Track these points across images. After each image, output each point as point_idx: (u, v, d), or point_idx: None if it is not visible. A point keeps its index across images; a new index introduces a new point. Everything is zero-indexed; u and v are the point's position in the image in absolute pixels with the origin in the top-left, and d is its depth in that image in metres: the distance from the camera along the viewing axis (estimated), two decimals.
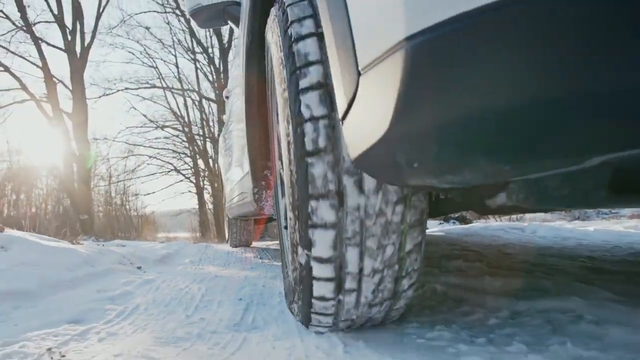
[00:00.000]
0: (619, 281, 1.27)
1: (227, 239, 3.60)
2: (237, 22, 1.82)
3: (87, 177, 11.25)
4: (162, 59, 21.64)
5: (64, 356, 0.73)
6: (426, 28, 0.41)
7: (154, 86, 16.92)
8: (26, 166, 13.49)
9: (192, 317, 1.03)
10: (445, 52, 0.40)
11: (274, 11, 0.89)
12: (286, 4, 0.77)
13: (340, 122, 0.61)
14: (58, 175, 11.85)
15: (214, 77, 16.62)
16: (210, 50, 17.16)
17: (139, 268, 2.10)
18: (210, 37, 17.02)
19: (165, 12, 16.59)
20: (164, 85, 17.02)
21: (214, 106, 16.80)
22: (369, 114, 0.52)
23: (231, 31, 16.09)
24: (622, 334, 0.76)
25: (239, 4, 1.84)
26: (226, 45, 16.33)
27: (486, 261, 1.64)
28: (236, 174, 2.06)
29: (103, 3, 11.86)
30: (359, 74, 0.53)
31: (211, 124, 17.12)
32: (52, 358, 0.72)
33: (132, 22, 17.20)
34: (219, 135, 17.89)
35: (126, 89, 15.87)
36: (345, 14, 0.54)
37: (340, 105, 0.59)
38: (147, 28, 16.74)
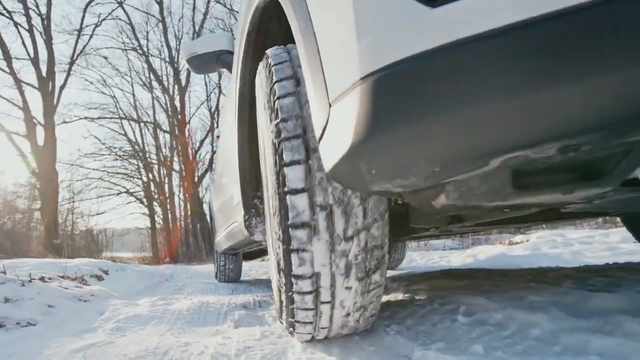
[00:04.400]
0: None
1: (215, 274, 3.71)
2: (228, 67, 2.04)
3: (55, 205, 12.58)
4: (118, 87, 22.79)
5: (192, 299, 2.78)
6: (374, 70, 0.58)
7: (112, 117, 18.19)
8: None
9: (214, 292, 3.10)
10: (386, 89, 0.58)
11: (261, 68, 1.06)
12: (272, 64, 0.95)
13: (318, 143, 0.77)
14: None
15: (168, 105, 18.16)
16: (167, 84, 18.59)
17: (167, 280, 4.09)
18: (167, 76, 18.57)
19: (125, 49, 18.08)
20: (121, 115, 18.34)
21: (167, 135, 18.35)
22: (337, 136, 0.68)
23: (189, 71, 17.84)
24: None
25: (231, 53, 2.07)
26: (184, 84, 17.98)
27: None
28: (227, 208, 2.24)
29: (77, 51, 13.51)
30: (330, 105, 0.70)
31: (163, 150, 18.58)
32: (186, 297, 2.78)
33: (90, 50, 18.23)
34: (170, 161, 19.08)
35: (86, 117, 17.14)
36: (319, 62, 0.73)
37: (317, 130, 0.76)
38: (105, 57, 18.10)
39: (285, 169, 0.86)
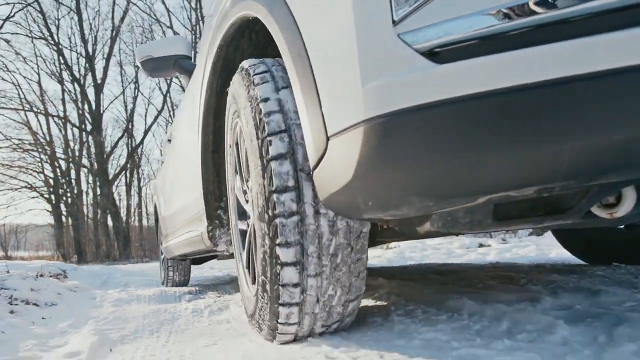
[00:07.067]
0: None
1: (162, 280, 3.64)
2: (186, 73, 2.02)
3: None
4: (20, 73, 21.32)
5: (149, 289, 3.72)
6: (380, 114, 0.63)
7: (16, 109, 17.18)
8: None
9: (159, 286, 4.05)
10: (386, 133, 0.63)
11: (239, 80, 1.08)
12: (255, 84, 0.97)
13: (312, 171, 0.81)
14: None
15: (79, 98, 17.64)
16: (79, 76, 17.93)
17: (108, 278, 4.88)
18: (80, 67, 17.88)
19: (33, 37, 17.19)
20: (25, 105, 17.39)
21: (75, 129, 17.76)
22: (335, 169, 0.72)
23: (106, 68, 17.52)
24: None
25: (188, 57, 2.06)
26: (99, 79, 17.57)
27: None
28: (182, 216, 2.20)
29: None
30: (328, 139, 0.74)
31: (71, 144, 17.94)
32: (137, 289, 3.71)
33: None
34: (79, 156, 18.51)
35: None
36: (317, 97, 0.76)
37: (312, 159, 0.80)
38: (7, 41, 17.02)
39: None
